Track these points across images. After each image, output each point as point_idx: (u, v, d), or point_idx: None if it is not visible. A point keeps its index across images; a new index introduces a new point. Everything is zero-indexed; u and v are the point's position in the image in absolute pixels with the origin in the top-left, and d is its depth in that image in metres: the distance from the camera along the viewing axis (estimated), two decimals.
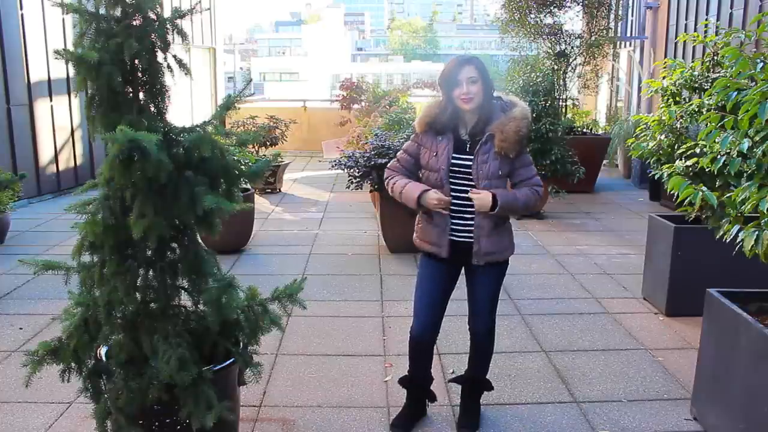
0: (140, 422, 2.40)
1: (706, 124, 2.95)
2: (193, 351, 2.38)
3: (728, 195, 2.81)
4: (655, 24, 10.98)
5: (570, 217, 7.75)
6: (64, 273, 2.48)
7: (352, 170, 6.08)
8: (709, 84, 4.61)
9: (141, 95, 2.39)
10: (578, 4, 9.94)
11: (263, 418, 3.18)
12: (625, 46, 12.60)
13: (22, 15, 8.35)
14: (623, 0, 11.14)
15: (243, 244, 6.29)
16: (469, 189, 2.73)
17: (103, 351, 2.54)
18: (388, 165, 3.00)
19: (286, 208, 8.36)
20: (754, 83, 2.58)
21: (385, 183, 2.97)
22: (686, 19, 9.58)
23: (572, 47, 9.96)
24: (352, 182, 6.14)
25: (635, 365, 3.76)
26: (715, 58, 4.83)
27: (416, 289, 2.96)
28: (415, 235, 2.96)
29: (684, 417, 3.20)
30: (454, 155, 2.75)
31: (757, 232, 2.49)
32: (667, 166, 4.12)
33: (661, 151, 4.57)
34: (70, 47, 2.28)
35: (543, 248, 6.34)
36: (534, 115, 7.42)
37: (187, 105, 12.52)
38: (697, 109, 4.36)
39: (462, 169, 2.74)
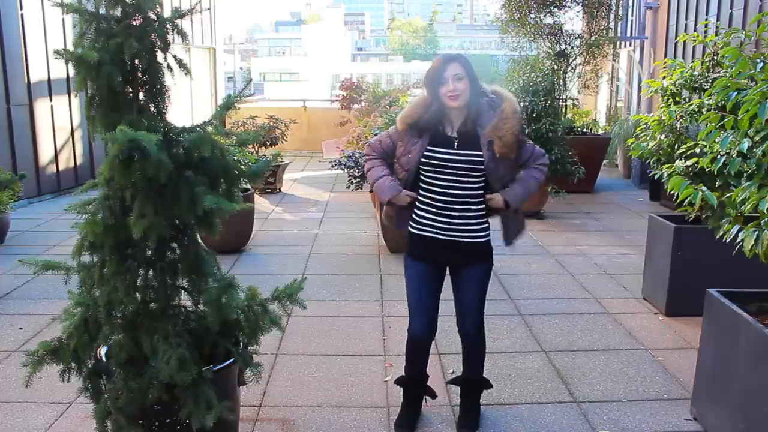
0: (140, 422, 2.40)
1: (706, 124, 2.95)
2: (193, 351, 2.38)
3: (728, 195, 2.81)
4: (655, 24, 10.98)
5: (570, 217, 7.75)
6: (64, 273, 2.48)
7: (352, 170, 6.09)
8: (709, 84, 4.61)
9: (141, 95, 2.38)
10: (578, 4, 9.94)
11: (263, 418, 3.18)
12: (625, 46, 12.60)
13: (22, 15, 8.35)
14: (623, 0, 11.14)
15: (243, 244, 6.29)
16: (457, 187, 2.74)
17: (103, 351, 2.54)
18: (370, 143, 3.02)
19: (286, 208, 8.36)
20: (754, 83, 2.58)
21: (364, 159, 3.01)
22: (686, 19, 9.59)
23: (572, 47, 9.96)
24: (352, 182, 6.14)
25: (635, 365, 3.76)
26: (715, 58, 4.83)
27: (408, 290, 2.97)
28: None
29: (684, 417, 3.20)
30: (442, 152, 2.74)
31: (757, 232, 2.49)
32: (667, 166, 4.12)
33: (661, 151, 4.57)
34: (70, 47, 2.28)
35: (543, 248, 6.34)
36: (534, 115, 7.43)
37: (187, 105, 12.52)
38: (697, 109, 4.36)
39: (450, 167, 2.73)
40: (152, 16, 2.33)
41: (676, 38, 9.10)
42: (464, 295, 2.92)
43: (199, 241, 2.56)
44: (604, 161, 10.39)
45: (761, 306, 2.93)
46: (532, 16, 9.78)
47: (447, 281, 2.97)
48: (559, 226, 7.32)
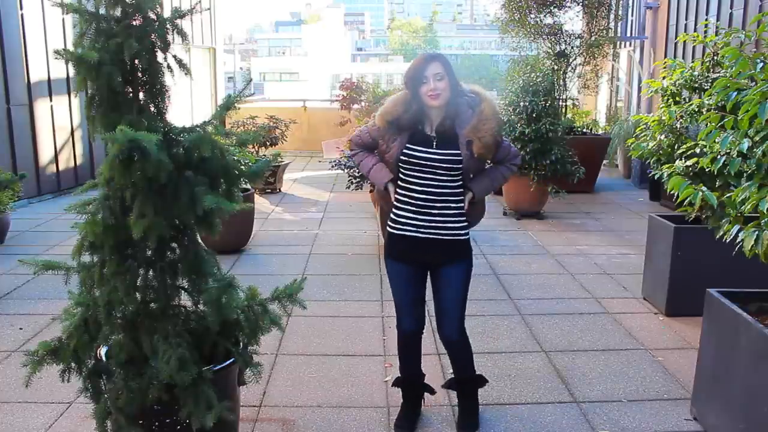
0: (140, 422, 2.40)
1: (706, 124, 2.95)
2: (193, 351, 2.38)
3: (728, 195, 2.81)
4: (655, 24, 10.99)
5: (570, 217, 7.75)
6: (64, 273, 2.48)
7: (352, 170, 6.08)
8: (709, 84, 4.61)
9: (141, 95, 2.38)
10: (578, 4, 9.94)
11: (263, 418, 3.18)
12: (625, 46, 12.60)
13: (22, 15, 8.35)
14: (623, 0, 11.14)
15: (243, 244, 6.29)
16: (435, 185, 2.75)
17: (103, 351, 2.54)
18: (352, 138, 3.04)
19: (286, 208, 8.36)
20: (754, 83, 2.57)
21: (350, 154, 3.03)
22: (686, 19, 9.59)
23: (572, 47, 9.96)
24: (352, 182, 6.14)
25: (635, 365, 3.76)
26: (715, 58, 4.82)
27: (392, 289, 2.96)
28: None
29: (684, 417, 3.20)
30: (421, 151, 2.74)
31: (757, 232, 2.49)
32: (667, 166, 4.12)
33: (661, 151, 4.57)
34: (70, 47, 2.28)
35: (543, 248, 6.34)
36: (534, 115, 7.42)
37: (187, 105, 12.52)
38: (697, 109, 4.35)
39: (429, 165, 2.73)
40: (152, 16, 2.33)
41: (676, 38, 9.10)
42: (444, 298, 2.89)
43: (199, 241, 2.56)
44: (604, 161, 10.39)
45: (761, 306, 2.93)
46: (532, 16, 9.78)
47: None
48: (559, 226, 7.33)
